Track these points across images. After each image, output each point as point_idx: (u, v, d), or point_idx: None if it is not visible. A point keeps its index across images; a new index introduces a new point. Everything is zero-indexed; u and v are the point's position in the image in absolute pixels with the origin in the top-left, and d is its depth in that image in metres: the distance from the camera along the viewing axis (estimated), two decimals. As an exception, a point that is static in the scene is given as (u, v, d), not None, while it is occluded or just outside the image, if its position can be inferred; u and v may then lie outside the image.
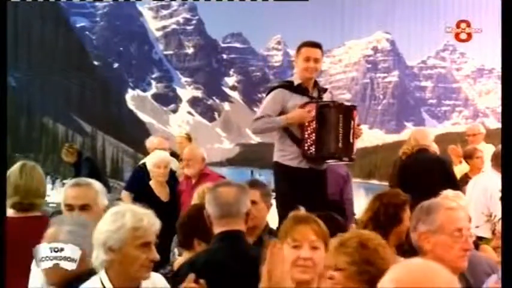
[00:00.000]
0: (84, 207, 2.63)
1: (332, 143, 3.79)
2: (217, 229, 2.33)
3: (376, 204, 2.83)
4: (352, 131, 3.84)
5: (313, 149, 3.80)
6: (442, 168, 4.90)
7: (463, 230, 2.15)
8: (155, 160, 4.77)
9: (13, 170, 3.06)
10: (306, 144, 3.82)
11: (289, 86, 3.97)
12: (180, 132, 6.27)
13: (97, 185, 2.72)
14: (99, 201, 2.66)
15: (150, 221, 2.05)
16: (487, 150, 5.40)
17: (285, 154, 3.91)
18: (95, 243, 2.00)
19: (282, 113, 3.88)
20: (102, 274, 2.01)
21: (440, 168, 4.89)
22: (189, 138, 5.94)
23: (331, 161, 4.02)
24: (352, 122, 3.84)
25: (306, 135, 3.81)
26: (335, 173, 5.95)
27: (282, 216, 3.98)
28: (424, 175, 4.83)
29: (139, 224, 2.01)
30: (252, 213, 2.60)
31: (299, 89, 3.92)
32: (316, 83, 4.00)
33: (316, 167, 3.92)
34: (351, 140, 3.85)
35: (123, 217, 2.02)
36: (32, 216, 2.92)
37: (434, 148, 5.31)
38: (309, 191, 3.87)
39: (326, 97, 4.02)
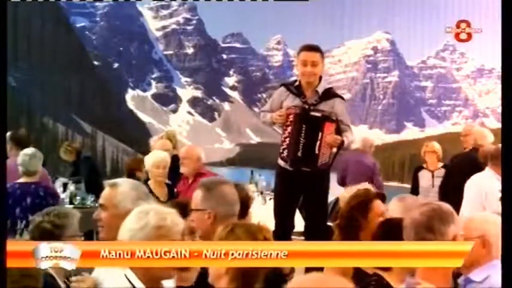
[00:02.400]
0: (101, 206, 2.70)
1: (292, 151, 3.97)
2: None
3: (345, 207, 2.82)
4: (318, 143, 3.90)
5: (285, 153, 4.02)
6: (472, 169, 4.95)
7: None
8: (154, 160, 4.78)
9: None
10: (281, 147, 4.04)
11: (290, 85, 4.04)
12: (163, 134, 6.17)
13: (123, 187, 2.71)
14: (117, 203, 2.67)
15: (174, 220, 2.13)
16: None
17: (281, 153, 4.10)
18: None
19: (281, 108, 4.14)
20: (127, 271, 2.07)
21: (470, 168, 4.95)
22: (170, 139, 5.87)
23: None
24: (320, 134, 3.94)
25: (282, 138, 4.05)
26: (363, 165, 6.37)
27: (276, 214, 4.03)
28: (458, 174, 4.90)
29: (162, 222, 2.10)
30: None
31: (296, 90, 3.98)
32: (316, 90, 4.01)
33: (305, 168, 4.01)
34: (316, 151, 3.91)
35: (147, 215, 2.12)
36: None
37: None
38: (303, 193, 3.89)
39: (327, 104, 4.02)
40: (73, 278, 2.23)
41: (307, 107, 3.97)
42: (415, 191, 6.30)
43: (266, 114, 4.17)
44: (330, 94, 4.08)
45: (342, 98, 4.19)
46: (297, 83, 4.07)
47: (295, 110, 3.99)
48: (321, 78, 4.07)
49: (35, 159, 4.61)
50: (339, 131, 3.98)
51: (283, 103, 4.06)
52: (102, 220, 2.62)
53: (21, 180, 4.60)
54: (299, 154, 3.96)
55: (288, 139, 3.98)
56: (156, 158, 4.81)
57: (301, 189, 3.93)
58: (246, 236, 2.01)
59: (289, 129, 3.97)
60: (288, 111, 3.99)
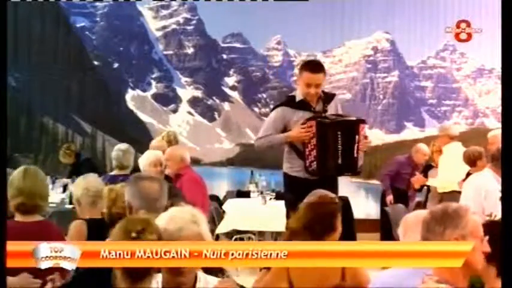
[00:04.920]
0: None
1: (331, 161, 3.82)
2: None
3: (310, 214, 2.85)
4: (356, 146, 3.83)
5: (315, 166, 3.83)
6: None
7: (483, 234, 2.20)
8: (152, 159, 4.75)
9: (16, 174, 3.05)
10: (308, 161, 3.86)
11: (291, 102, 3.95)
12: (163, 135, 6.13)
13: None
14: None
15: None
16: (455, 150, 5.43)
17: (293, 167, 3.99)
18: None
19: (285, 129, 3.93)
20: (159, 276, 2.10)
21: None
22: (170, 141, 5.80)
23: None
24: (357, 137, 3.84)
25: (307, 152, 3.85)
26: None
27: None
28: None
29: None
30: None
31: (301, 105, 3.91)
32: (319, 96, 3.95)
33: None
34: (355, 155, 3.85)
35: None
36: (33, 221, 2.93)
37: None
38: None
39: (331, 107, 3.98)
40: None
41: (323, 115, 3.86)
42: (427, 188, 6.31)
43: (273, 137, 3.92)
44: (328, 96, 4.03)
45: (335, 94, 4.13)
46: (300, 98, 3.99)
47: (316, 120, 3.80)
48: None
49: (128, 154, 4.78)
50: None
51: (289, 122, 3.93)
52: None
53: (113, 172, 4.70)
54: (339, 162, 3.81)
55: (314, 151, 3.80)
56: (153, 157, 4.78)
57: None
58: (120, 234, 1.98)
59: (313, 141, 3.80)
60: (309, 123, 3.81)
